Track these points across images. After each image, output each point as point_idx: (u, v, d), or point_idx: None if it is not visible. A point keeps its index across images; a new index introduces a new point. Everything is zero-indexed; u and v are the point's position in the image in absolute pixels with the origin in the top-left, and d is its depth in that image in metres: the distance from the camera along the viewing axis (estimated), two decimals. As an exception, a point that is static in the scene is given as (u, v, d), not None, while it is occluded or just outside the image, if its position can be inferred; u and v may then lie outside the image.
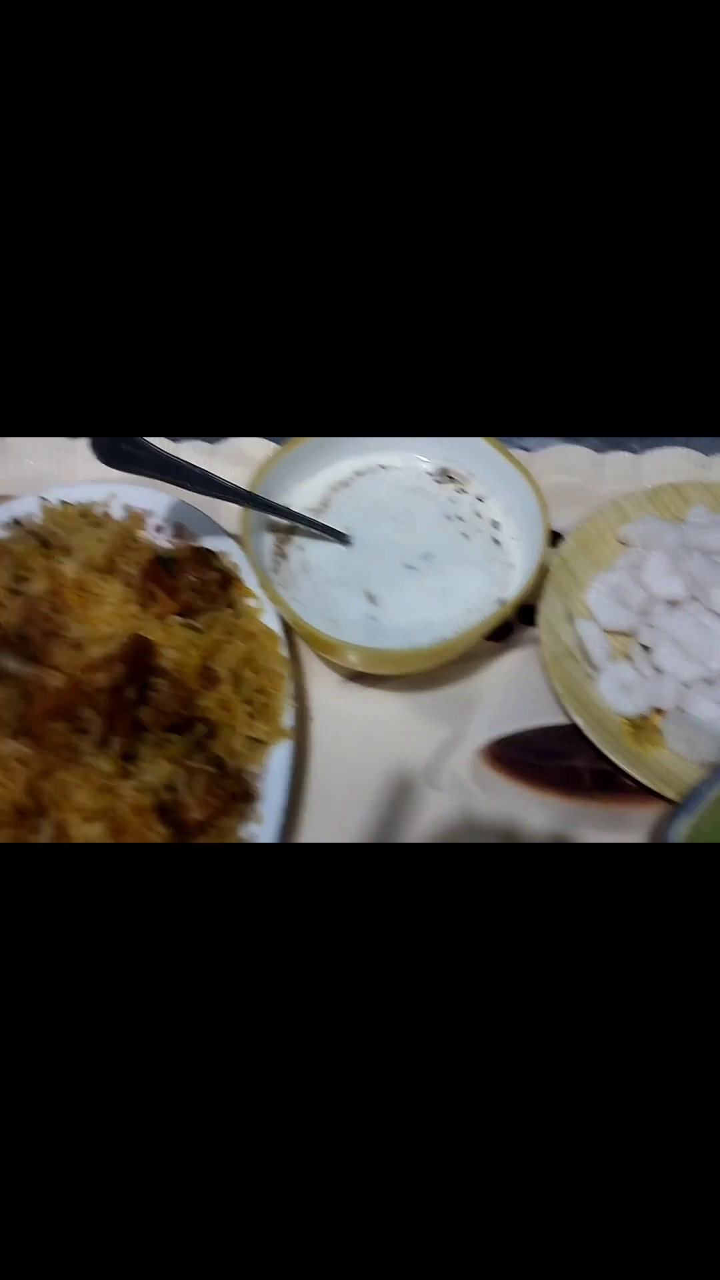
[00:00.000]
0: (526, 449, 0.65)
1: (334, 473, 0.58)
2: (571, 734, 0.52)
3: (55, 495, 0.56)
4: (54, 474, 0.63)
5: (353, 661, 0.51)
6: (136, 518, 0.55)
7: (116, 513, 0.55)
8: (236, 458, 0.64)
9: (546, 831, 0.50)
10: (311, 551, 0.54)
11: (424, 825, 0.51)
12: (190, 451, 0.65)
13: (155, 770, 0.42)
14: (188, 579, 0.49)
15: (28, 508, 0.55)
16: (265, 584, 0.50)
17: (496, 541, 0.55)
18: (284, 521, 0.54)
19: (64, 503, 0.55)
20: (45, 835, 0.40)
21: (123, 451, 0.42)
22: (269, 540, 0.54)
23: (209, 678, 0.47)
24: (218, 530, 0.56)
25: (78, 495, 0.56)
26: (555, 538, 0.59)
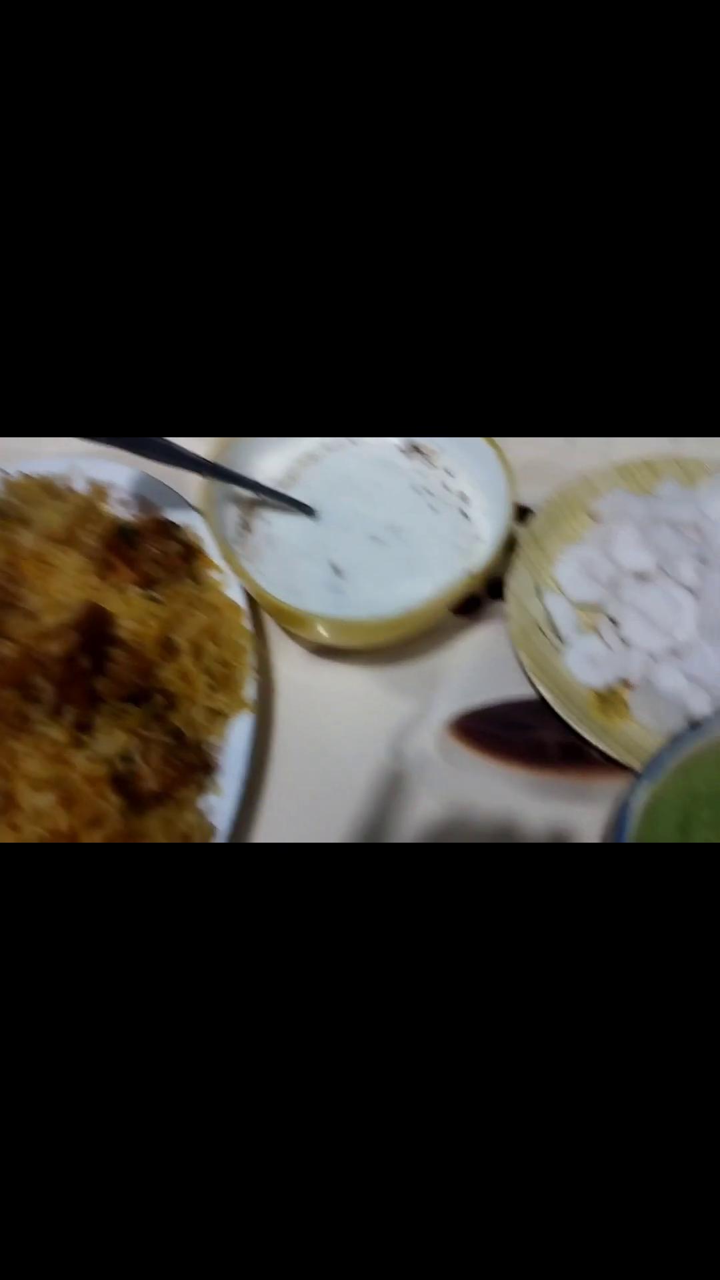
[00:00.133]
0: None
1: (302, 446, 0.58)
2: (539, 707, 0.52)
3: (16, 468, 0.55)
4: (20, 448, 0.62)
5: (317, 633, 0.50)
6: (99, 490, 0.54)
7: (80, 486, 0.55)
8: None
9: (512, 803, 0.50)
10: (277, 525, 0.54)
11: (388, 798, 0.50)
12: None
13: (110, 740, 0.42)
14: (148, 550, 0.48)
15: (-11, 481, 0.55)
16: (228, 555, 0.49)
17: (465, 515, 0.55)
18: (249, 494, 0.54)
19: (25, 475, 0.54)
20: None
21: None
22: (233, 513, 0.54)
23: (168, 649, 0.46)
24: (182, 504, 0.55)
25: (40, 468, 0.55)
26: (525, 513, 0.59)
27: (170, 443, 0.48)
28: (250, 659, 0.48)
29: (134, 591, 0.47)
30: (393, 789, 0.50)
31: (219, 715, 0.46)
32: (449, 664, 0.55)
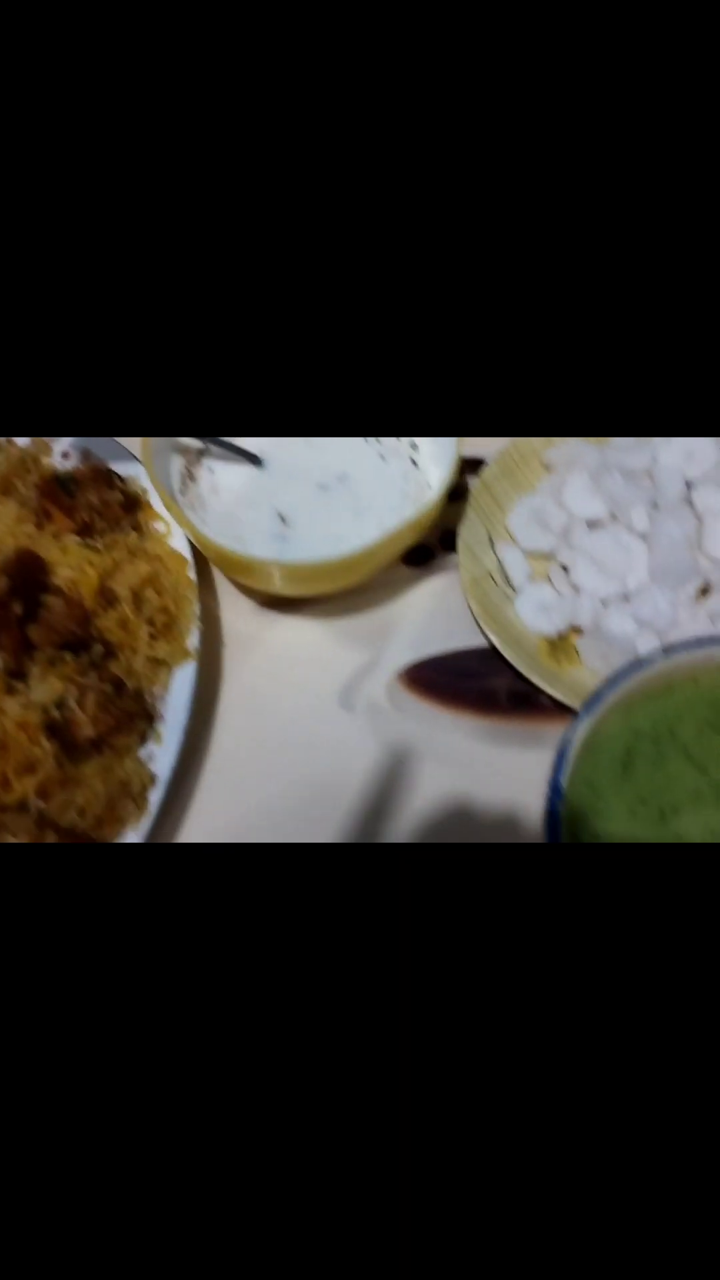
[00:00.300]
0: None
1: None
2: (489, 655, 0.51)
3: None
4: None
5: (263, 580, 0.50)
6: (41, 444, 0.53)
7: (21, 440, 0.53)
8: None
9: (462, 750, 0.49)
10: (221, 474, 0.53)
11: (337, 747, 0.50)
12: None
13: (45, 688, 0.41)
14: (87, 499, 0.47)
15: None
16: (170, 504, 0.48)
17: (414, 463, 0.54)
18: (195, 443, 0.53)
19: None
20: None
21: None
22: (177, 462, 0.52)
23: (108, 598, 0.46)
24: (125, 455, 0.54)
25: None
26: (478, 464, 0.58)
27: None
28: (194, 609, 0.48)
29: (71, 540, 0.46)
30: (341, 738, 0.50)
31: (161, 665, 0.46)
32: (400, 615, 0.55)
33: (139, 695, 0.44)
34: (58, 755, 0.40)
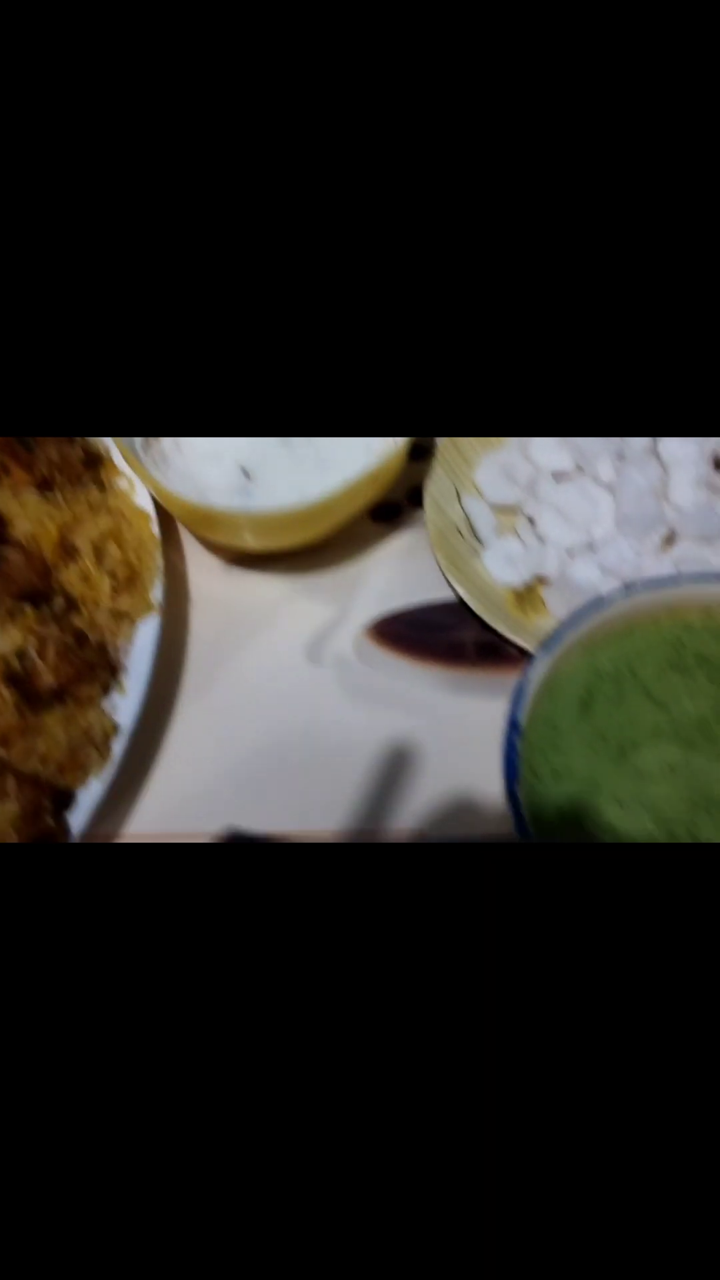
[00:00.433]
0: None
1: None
2: (457, 608, 0.51)
3: None
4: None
5: (226, 533, 0.49)
6: (3, 402, 0.52)
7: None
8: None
9: (429, 701, 0.49)
10: (185, 430, 0.53)
11: (304, 700, 0.50)
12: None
13: (4, 638, 0.41)
14: (47, 454, 0.47)
15: None
16: (130, 459, 0.47)
17: (380, 418, 0.54)
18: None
19: None
20: None
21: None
22: (140, 419, 0.52)
23: (69, 552, 0.45)
24: (89, 413, 0.54)
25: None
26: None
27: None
28: (157, 563, 0.47)
29: (30, 494, 0.45)
30: (309, 691, 0.50)
31: (124, 618, 0.46)
32: (368, 571, 0.55)
33: (101, 647, 0.44)
34: (18, 704, 0.39)
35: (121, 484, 0.51)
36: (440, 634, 0.52)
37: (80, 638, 0.43)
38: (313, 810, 0.47)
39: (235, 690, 0.50)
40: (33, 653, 0.41)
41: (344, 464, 0.51)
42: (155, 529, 0.49)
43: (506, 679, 0.50)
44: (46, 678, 0.41)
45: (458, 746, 0.48)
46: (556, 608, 0.50)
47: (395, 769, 0.47)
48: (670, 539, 0.51)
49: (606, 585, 0.49)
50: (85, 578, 0.45)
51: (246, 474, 0.50)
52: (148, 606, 0.46)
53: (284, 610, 0.53)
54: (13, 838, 0.38)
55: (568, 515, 0.52)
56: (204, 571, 0.54)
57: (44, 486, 0.47)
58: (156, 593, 0.47)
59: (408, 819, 0.46)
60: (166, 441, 0.52)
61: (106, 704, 0.43)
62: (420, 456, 0.55)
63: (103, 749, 0.42)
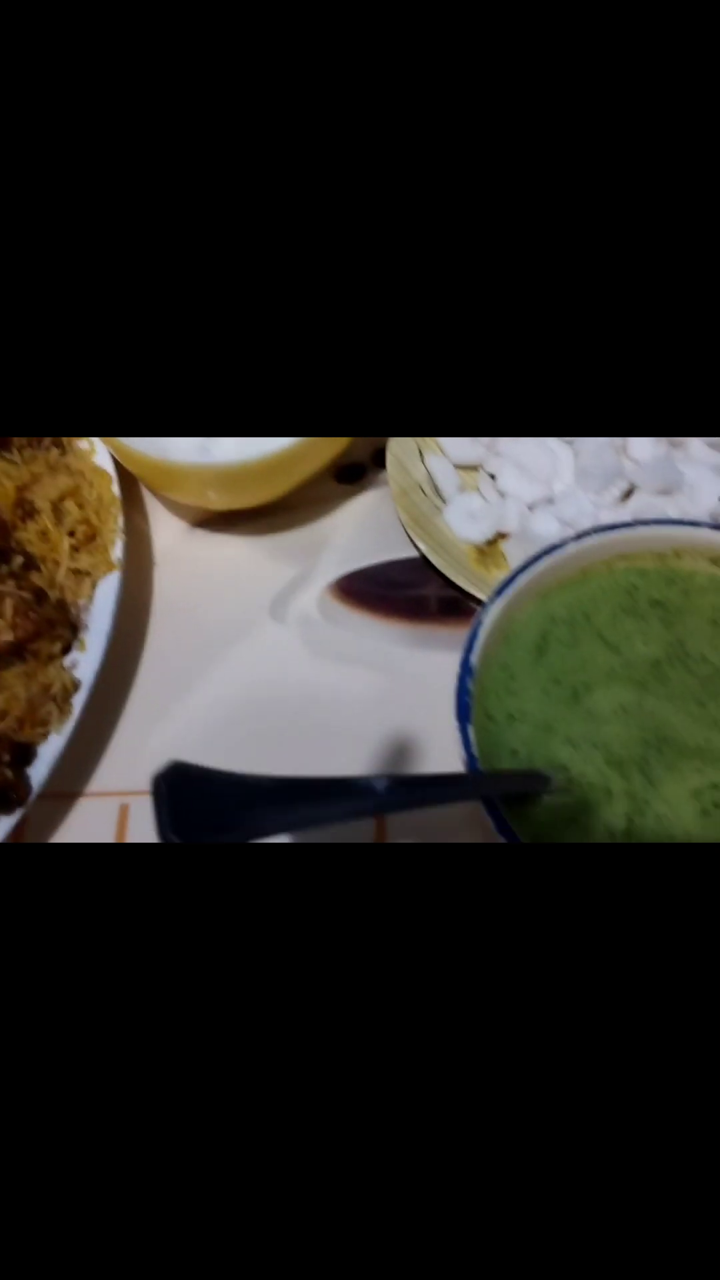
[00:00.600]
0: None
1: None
2: (420, 565, 0.52)
3: None
4: None
5: (188, 492, 0.50)
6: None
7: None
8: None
9: (392, 655, 0.50)
10: (146, 391, 0.52)
11: (268, 657, 0.50)
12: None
13: (-40, 594, 0.41)
14: (5, 414, 0.47)
15: None
16: (90, 418, 0.48)
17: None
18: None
19: None
20: None
21: None
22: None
23: (27, 510, 0.45)
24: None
25: None
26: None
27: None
28: (117, 521, 0.47)
29: (-13, 453, 0.45)
30: (273, 649, 0.50)
31: (84, 576, 0.46)
32: (332, 530, 0.55)
33: (61, 605, 0.44)
34: (-24, 659, 0.40)
35: (81, 444, 0.50)
36: (403, 590, 0.52)
37: (40, 595, 0.44)
38: (278, 766, 0.47)
39: (200, 649, 0.50)
40: (-10, 609, 0.41)
41: (304, 422, 0.51)
42: (116, 489, 0.49)
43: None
44: (5, 634, 0.41)
45: (421, 698, 0.48)
46: (517, 561, 0.51)
47: (360, 722, 0.48)
48: (629, 492, 0.51)
49: (565, 535, 0.49)
50: (44, 536, 0.45)
51: (207, 433, 0.50)
52: (108, 565, 0.46)
53: (248, 571, 0.53)
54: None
55: (528, 470, 0.52)
56: (168, 533, 0.54)
57: (1, 446, 0.46)
58: (117, 551, 0.47)
59: (372, 769, 0.46)
60: (126, 402, 0.52)
61: (67, 661, 0.44)
62: (383, 416, 0.55)
63: (63, 705, 0.42)
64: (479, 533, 0.52)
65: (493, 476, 0.53)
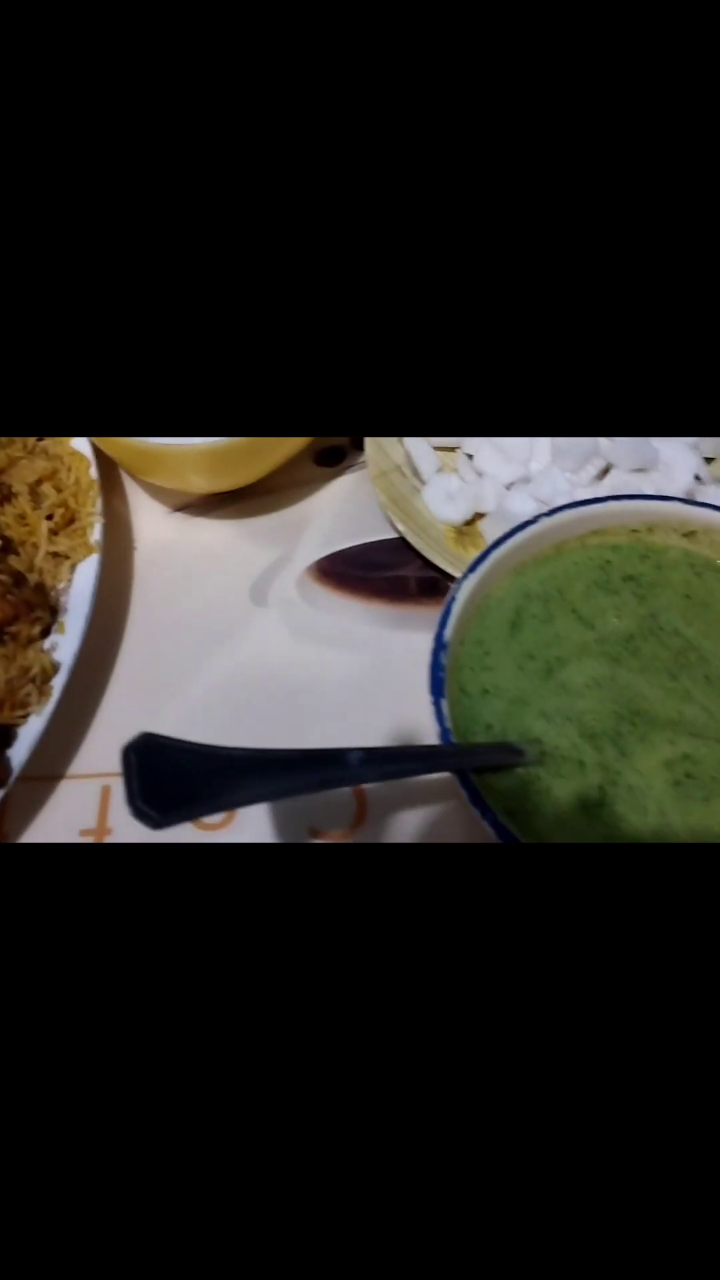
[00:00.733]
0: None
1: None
2: (399, 546, 0.52)
3: None
4: None
5: (168, 474, 0.50)
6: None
7: None
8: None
9: (372, 636, 0.50)
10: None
11: (248, 638, 0.50)
12: None
13: (-61, 578, 0.41)
14: (-19, 399, 0.47)
15: None
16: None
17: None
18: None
19: None
20: None
21: None
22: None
23: (4, 493, 0.45)
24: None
25: None
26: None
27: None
28: (95, 505, 0.48)
29: (-37, 437, 0.45)
30: (254, 631, 0.50)
31: (63, 559, 0.46)
32: (312, 513, 0.55)
33: (40, 588, 0.44)
34: (-47, 642, 0.40)
35: (60, 430, 0.51)
36: (382, 572, 0.52)
37: (18, 578, 0.44)
38: (259, 745, 0.47)
39: (181, 632, 0.50)
40: (-33, 592, 0.41)
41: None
42: (94, 472, 0.49)
43: (447, 612, 0.51)
44: (-17, 616, 0.41)
45: (400, 677, 0.49)
46: (494, 539, 0.51)
47: (340, 702, 0.48)
48: (605, 471, 0.52)
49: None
50: (22, 519, 0.45)
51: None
52: (87, 549, 0.46)
53: (228, 554, 0.53)
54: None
55: (505, 450, 0.52)
56: (148, 518, 0.55)
57: (-22, 432, 0.46)
58: (96, 535, 0.47)
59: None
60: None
61: (46, 644, 0.44)
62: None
63: (42, 687, 0.42)
64: (457, 513, 0.52)
65: (470, 457, 0.54)
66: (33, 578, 0.45)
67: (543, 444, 0.53)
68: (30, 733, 0.41)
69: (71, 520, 0.47)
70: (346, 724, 0.48)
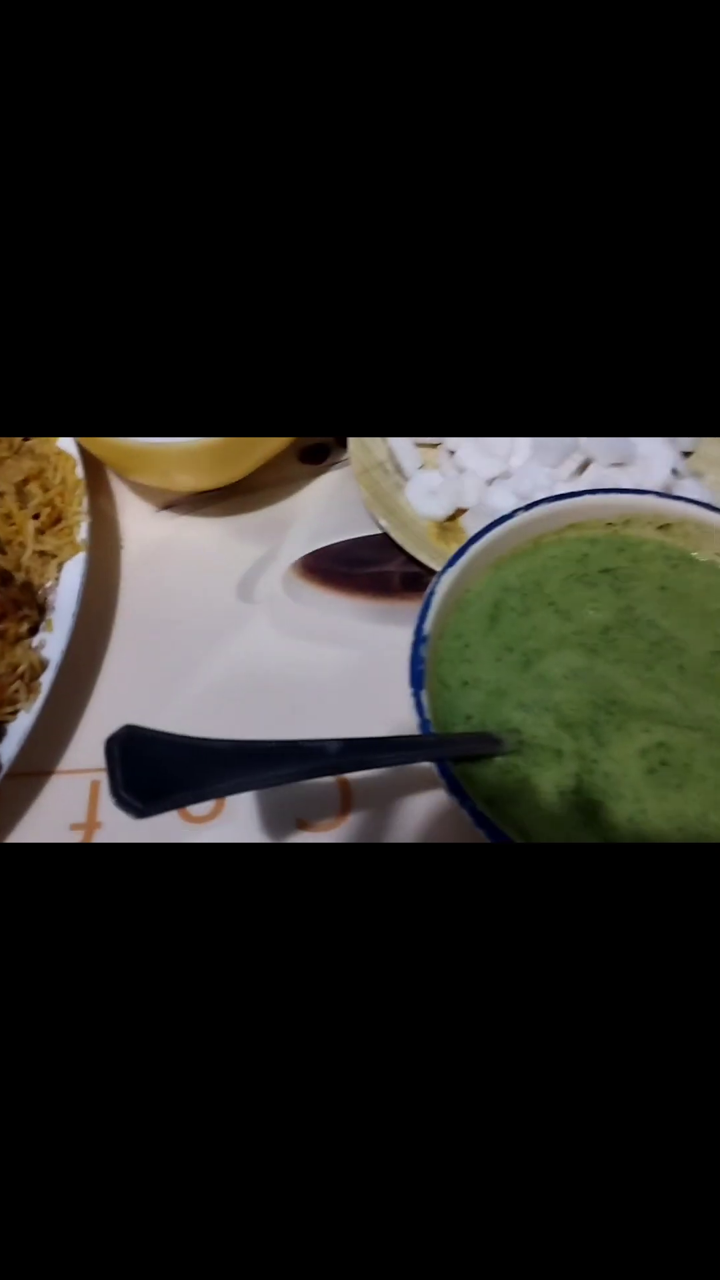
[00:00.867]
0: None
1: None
2: (383, 542, 0.53)
3: None
4: None
5: (153, 472, 0.50)
6: None
7: None
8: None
9: (356, 631, 0.51)
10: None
11: (235, 635, 0.51)
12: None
13: None
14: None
15: None
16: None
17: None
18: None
19: None
20: None
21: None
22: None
23: (-10, 494, 0.46)
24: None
25: None
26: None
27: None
28: (82, 504, 0.48)
29: (-50, 438, 0.46)
30: (240, 628, 0.51)
31: (50, 558, 0.46)
32: (297, 510, 0.56)
33: (28, 586, 0.45)
34: (-59, 640, 0.41)
35: (46, 430, 0.51)
36: (367, 568, 0.53)
37: (5, 577, 0.44)
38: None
39: (168, 629, 0.51)
40: (-45, 591, 0.42)
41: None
42: (80, 472, 0.50)
43: (430, 607, 0.51)
44: (-29, 615, 0.42)
45: (385, 671, 0.49)
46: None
47: (326, 696, 0.49)
48: (584, 466, 0.53)
49: (523, 511, 0.51)
50: (9, 519, 0.46)
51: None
52: (74, 547, 0.47)
53: (215, 552, 0.54)
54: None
55: (486, 446, 0.53)
56: (135, 517, 0.55)
57: (-36, 432, 0.47)
58: (82, 533, 0.47)
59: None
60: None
61: (34, 641, 0.44)
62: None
63: (31, 684, 0.43)
64: (439, 508, 0.53)
65: (452, 453, 0.55)
66: (20, 576, 0.45)
67: (523, 440, 0.53)
68: (19, 729, 0.42)
69: (58, 519, 0.47)
70: (333, 717, 0.48)
